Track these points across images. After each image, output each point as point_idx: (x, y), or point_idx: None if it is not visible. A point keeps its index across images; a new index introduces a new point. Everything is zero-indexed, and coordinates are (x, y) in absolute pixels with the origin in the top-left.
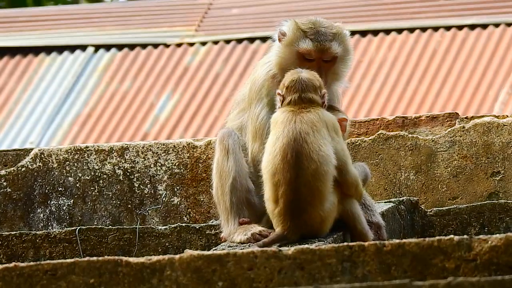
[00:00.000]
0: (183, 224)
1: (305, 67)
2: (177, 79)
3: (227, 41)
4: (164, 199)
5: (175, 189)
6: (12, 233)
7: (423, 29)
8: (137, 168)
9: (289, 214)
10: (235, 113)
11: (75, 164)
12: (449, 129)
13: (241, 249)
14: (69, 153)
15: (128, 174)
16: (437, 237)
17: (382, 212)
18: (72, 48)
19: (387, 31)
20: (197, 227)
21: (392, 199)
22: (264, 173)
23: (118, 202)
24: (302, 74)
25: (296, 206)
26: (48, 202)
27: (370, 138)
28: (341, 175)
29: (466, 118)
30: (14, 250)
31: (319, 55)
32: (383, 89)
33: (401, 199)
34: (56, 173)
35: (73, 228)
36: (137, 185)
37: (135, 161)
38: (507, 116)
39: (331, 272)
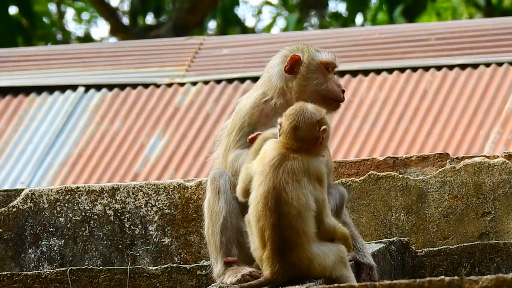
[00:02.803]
0: (174, 265)
1: (329, 79)
2: (168, 119)
3: (218, 81)
4: (154, 239)
5: (166, 230)
6: (3, 273)
7: (414, 69)
8: (128, 209)
9: (277, 257)
10: (217, 152)
11: (66, 205)
12: (440, 170)
13: None
14: (60, 194)
15: (119, 214)
16: (428, 278)
17: (373, 253)
18: (62, 88)
19: (378, 71)
20: (188, 268)
21: (383, 240)
22: (250, 219)
23: (109, 243)
24: (307, 105)
25: (283, 248)
26: (39, 242)
27: (360, 178)
28: (318, 222)
29: (457, 158)
30: None
31: (336, 65)
32: (373, 129)
33: (391, 239)
34: (47, 213)
35: (64, 269)
36: (128, 226)
37: (125, 201)
38: (498, 156)
39: None
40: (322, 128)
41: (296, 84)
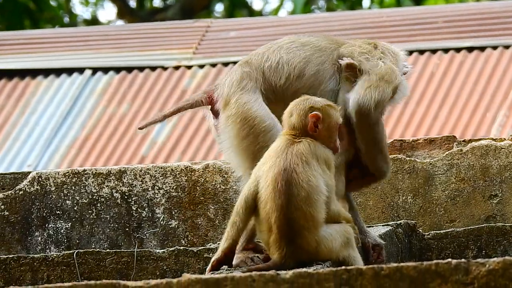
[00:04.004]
0: (181, 248)
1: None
2: (175, 102)
3: (225, 64)
4: (161, 222)
5: (173, 213)
6: (10, 256)
7: (421, 52)
8: (135, 192)
9: (284, 240)
10: None
11: (73, 188)
12: (447, 152)
13: (239, 273)
14: (67, 177)
15: (126, 197)
16: (435, 261)
17: (380, 235)
18: (69, 71)
19: None
20: (195, 251)
21: (390, 223)
22: (258, 204)
23: (116, 226)
24: (312, 96)
25: (290, 231)
26: (46, 225)
27: None
28: (327, 208)
29: (464, 141)
30: (11, 273)
31: None
32: None
33: (398, 222)
34: (54, 196)
35: (71, 252)
36: (134, 209)
37: (132, 184)
38: (505, 139)
39: None
40: (312, 114)
41: None
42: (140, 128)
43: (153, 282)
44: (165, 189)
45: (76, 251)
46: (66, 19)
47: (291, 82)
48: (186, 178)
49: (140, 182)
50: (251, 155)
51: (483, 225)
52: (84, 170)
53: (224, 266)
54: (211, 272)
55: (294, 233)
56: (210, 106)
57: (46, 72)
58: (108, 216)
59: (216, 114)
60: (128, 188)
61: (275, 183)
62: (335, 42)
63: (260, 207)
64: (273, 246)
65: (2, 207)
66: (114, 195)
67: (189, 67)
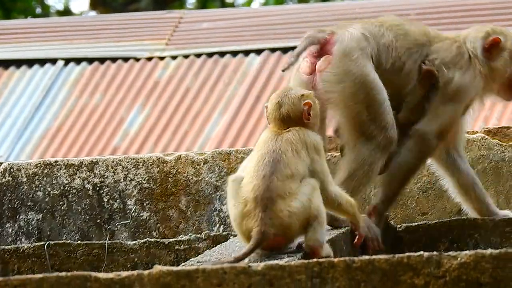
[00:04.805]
0: (152, 240)
1: None
2: (147, 93)
3: (198, 55)
4: (133, 214)
5: (144, 204)
6: None
7: None
8: (107, 183)
9: (259, 207)
10: None
11: (44, 179)
12: None
13: (210, 265)
14: (39, 168)
15: (97, 188)
16: (407, 254)
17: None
18: (42, 62)
19: None
20: (166, 243)
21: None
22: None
23: (87, 217)
24: (291, 87)
25: (265, 199)
26: (17, 216)
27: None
28: (322, 192)
29: None
30: None
31: None
32: None
33: None
34: (25, 187)
35: (42, 243)
36: (106, 200)
37: (104, 175)
38: (477, 131)
39: None
40: (305, 101)
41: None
42: (283, 70)
43: (124, 274)
44: (137, 180)
45: (47, 242)
46: (39, 10)
47: (393, 70)
48: (158, 169)
49: (112, 174)
50: (358, 124)
51: (455, 218)
52: (56, 161)
53: (202, 259)
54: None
55: (269, 200)
56: (320, 46)
57: (18, 63)
58: (79, 208)
59: (321, 54)
60: (100, 180)
61: (262, 159)
62: (429, 37)
63: (244, 184)
64: (247, 218)
65: None
66: (86, 186)
67: (161, 58)
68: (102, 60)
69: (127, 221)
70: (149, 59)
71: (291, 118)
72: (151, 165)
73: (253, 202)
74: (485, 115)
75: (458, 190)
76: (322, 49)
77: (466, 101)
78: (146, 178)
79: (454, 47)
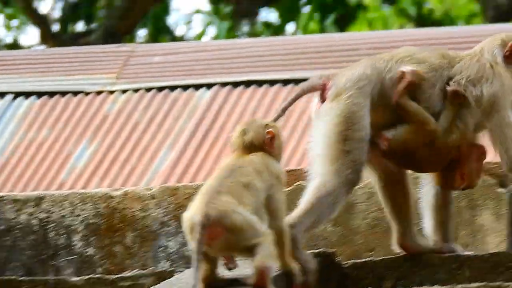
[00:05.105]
0: (96, 276)
1: None
2: (96, 127)
3: (148, 89)
4: (78, 249)
5: (90, 240)
6: None
7: None
8: (53, 218)
9: (204, 199)
10: None
11: None
12: (367, 181)
13: None
14: None
15: (43, 224)
16: None
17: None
18: None
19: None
20: (110, 279)
21: (308, 251)
22: None
23: (32, 253)
24: (252, 118)
25: (214, 189)
26: None
27: (289, 188)
28: (272, 220)
29: None
30: None
31: None
32: (303, 139)
33: (317, 251)
34: None
35: None
36: (51, 236)
37: (50, 211)
38: None
39: None
40: (268, 130)
41: None
42: (274, 121)
43: None
44: (84, 215)
45: None
46: None
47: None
48: (105, 204)
49: (59, 209)
50: (331, 154)
51: (401, 255)
52: (2, 197)
53: None
54: None
55: (217, 192)
56: (321, 92)
57: None
58: (24, 244)
59: (323, 100)
60: (46, 215)
61: (219, 171)
62: (448, 58)
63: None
64: (193, 208)
65: None
66: (32, 221)
67: (111, 92)
68: (51, 94)
69: (73, 257)
70: (99, 93)
71: (255, 145)
72: (97, 200)
73: (200, 196)
74: None
75: (433, 203)
76: (322, 95)
77: (508, 105)
78: (93, 214)
79: (475, 61)
